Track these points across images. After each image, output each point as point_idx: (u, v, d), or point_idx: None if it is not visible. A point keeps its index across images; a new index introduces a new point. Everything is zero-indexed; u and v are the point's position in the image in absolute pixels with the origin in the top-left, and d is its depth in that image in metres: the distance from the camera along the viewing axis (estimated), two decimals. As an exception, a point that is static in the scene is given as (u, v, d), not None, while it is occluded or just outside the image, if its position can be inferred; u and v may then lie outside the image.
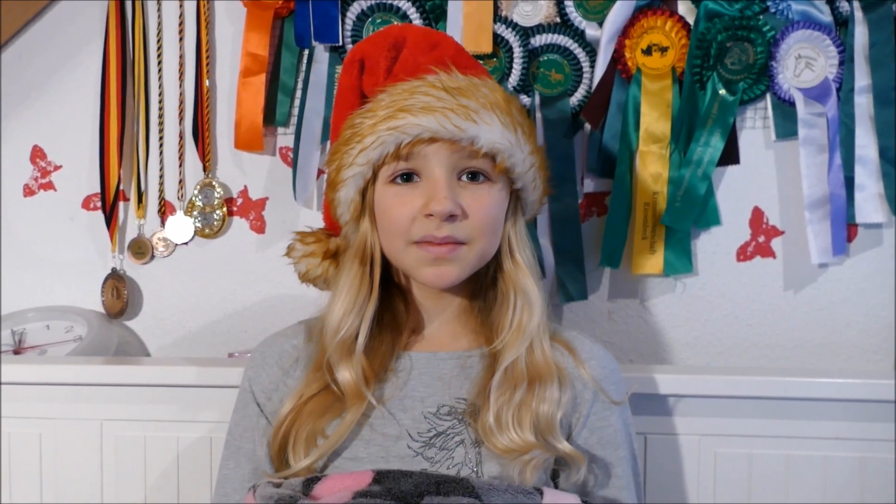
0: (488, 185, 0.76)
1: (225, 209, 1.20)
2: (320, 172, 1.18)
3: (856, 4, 1.06)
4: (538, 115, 1.12)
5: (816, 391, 0.96)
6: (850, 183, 1.07)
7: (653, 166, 1.10)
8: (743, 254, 1.13)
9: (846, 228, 1.09)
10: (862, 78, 1.07)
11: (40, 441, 1.05)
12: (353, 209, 0.78)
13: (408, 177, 0.75)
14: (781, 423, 0.97)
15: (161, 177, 1.22)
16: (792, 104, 1.08)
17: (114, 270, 1.22)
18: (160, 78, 1.22)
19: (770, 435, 0.97)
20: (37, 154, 1.25)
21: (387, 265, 0.79)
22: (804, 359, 1.12)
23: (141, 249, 1.22)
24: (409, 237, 0.74)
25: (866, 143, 1.07)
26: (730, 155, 1.10)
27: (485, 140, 0.73)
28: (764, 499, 0.98)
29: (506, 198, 0.78)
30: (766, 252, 1.13)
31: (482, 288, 0.81)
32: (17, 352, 1.18)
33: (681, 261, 1.10)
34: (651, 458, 0.98)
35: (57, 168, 1.25)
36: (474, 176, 0.75)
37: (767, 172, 1.12)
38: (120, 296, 1.21)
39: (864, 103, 1.07)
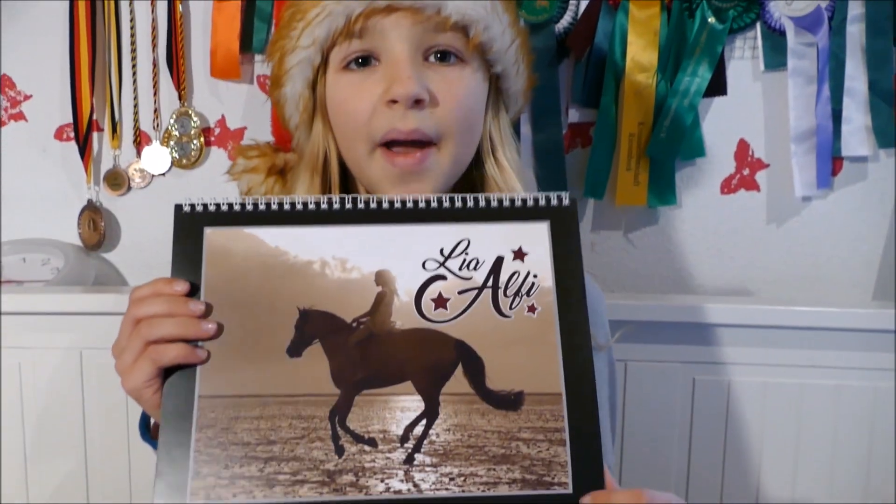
0: (460, 67, 0.64)
1: (202, 139, 1.17)
2: (300, 102, 1.15)
3: (851, -72, 1.03)
4: (523, 42, 1.09)
5: (795, 320, 0.97)
6: (836, 116, 1.06)
7: (638, 96, 1.07)
8: (727, 186, 1.12)
9: (831, 162, 1.08)
10: (855, 7, 1.04)
11: (20, 371, 1.04)
12: (304, 106, 0.66)
13: (364, 60, 0.63)
14: (760, 350, 0.98)
15: (135, 106, 1.18)
16: (782, 33, 1.06)
17: (90, 202, 1.20)
18: (131, 3, 1.17)
19: (748, 363, 0.98)
20: (6, 83, 1.21)
21: (345, 177, 0.69)
22: (785, 291, 1.12)
23: (117, 181, 1.19)
24: (371, 135, 0.63)
25: (856, 75, 1.06)
26: (717, 86, 1.08)
27: (453, 7, 0.62)
28: (742, 425, 1.00)
29: (483, 84, 0.67)
30: (751, 185, 1.12)
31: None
32: (-8, 285, 1.17)
33: (665, 193, 1.09)
34: (631, 385, 0.99)
35: (27, 98, 1.21)
36: (444, 56, 0.64)
37: (755, 104, 1.10)
38: (97, 228, 1.19)
39: (855, 33, 1.05)
